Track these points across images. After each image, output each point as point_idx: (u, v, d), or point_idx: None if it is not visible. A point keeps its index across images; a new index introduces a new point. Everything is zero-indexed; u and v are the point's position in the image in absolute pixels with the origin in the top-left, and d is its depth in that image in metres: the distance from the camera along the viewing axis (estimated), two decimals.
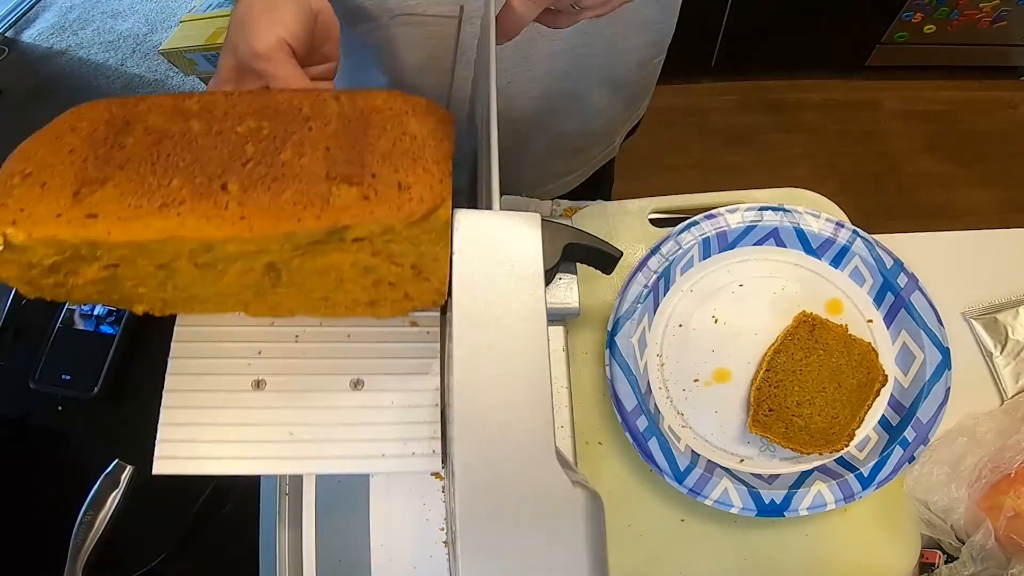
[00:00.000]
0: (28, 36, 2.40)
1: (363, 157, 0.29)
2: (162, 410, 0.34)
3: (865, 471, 0.49)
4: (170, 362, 0.35)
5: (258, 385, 0.35)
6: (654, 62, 0.71)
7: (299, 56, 0.37)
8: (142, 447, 0.50)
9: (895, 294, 0.55)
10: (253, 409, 0.35)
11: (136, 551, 0.55)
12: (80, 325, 0.62)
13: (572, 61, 0.60)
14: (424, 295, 0.34)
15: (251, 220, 0.27)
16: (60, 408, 0.62)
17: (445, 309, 0.38)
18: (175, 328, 0.36)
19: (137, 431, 0.53)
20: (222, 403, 0.35)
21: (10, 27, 2.42)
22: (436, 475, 0.51)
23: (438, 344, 0.37)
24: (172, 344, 0.36)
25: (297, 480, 0.51)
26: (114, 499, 0.53)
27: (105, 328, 0.62)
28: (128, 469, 0.54)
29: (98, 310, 0.63)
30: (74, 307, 0.63)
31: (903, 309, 0.54)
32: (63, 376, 0.60)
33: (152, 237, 0.27)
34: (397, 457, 0.34)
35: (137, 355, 0.62)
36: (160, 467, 0.33)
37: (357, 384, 0.36)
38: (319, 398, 0.35)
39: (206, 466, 0.33)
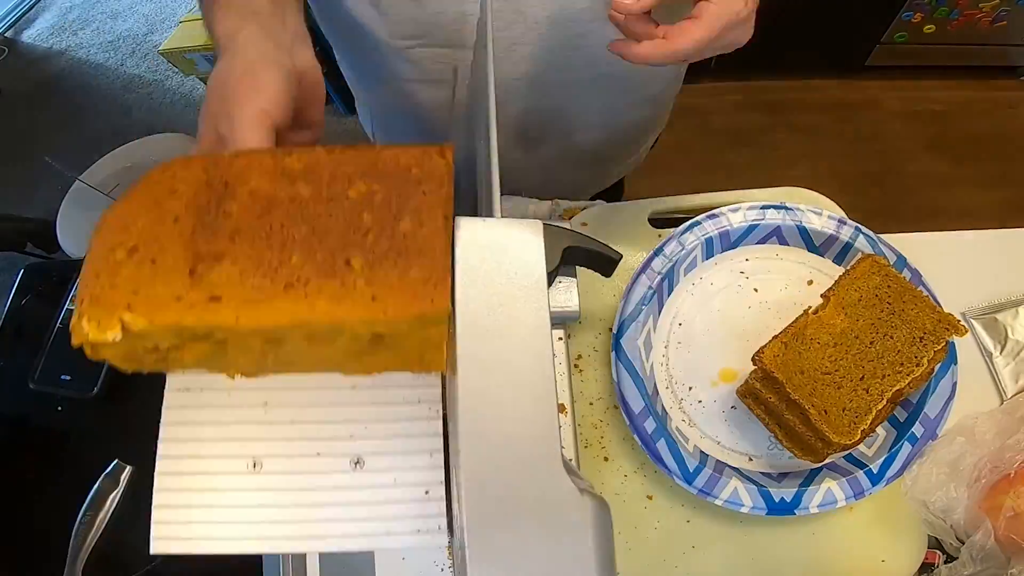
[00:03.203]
0: (28, 36, 2.40)
1: None
2: (155, 491, 0.33)
3: (874, 467, 0.49)
4: (160, 444, 0.33)
5: (254, 466, 0.33)
6: (678, 73, 0.71)
7: (281, 125, 0.35)
8: (142, 447, 0.50)
9: None
10: (250, 490, 0.33)
11: (136, 551, 0.55)
12: None
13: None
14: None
15: (384, 302, 0.26)
16: (60, 408, 0.62)
17: (445, 384, 0.37)
18: (163, 409, 0.34)
19: (137, 431, 0.53)
20: (217, 485, 0.33)
21: (10, 27, 2.42)
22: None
23: (440, 420, 0.35)
24: (161, 425, 0.34)
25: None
26: (114, 499, 0.53)
27: None
28: (128, 469, 0.54)
29: None
30: (74, 307, 0.63)
31: None
32: (63, 376, 0.60)
33: (283, 323, 0.26)
34: (402, 535, 0.32)
35: None
36: (157, 547, 0.32)
37: (358, 463, 0.34)
38: (318, 479, 0.33)
39: (205, 546, 0.32)
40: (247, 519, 0.33)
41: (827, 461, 0.51)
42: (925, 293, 0.51)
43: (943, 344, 0.48)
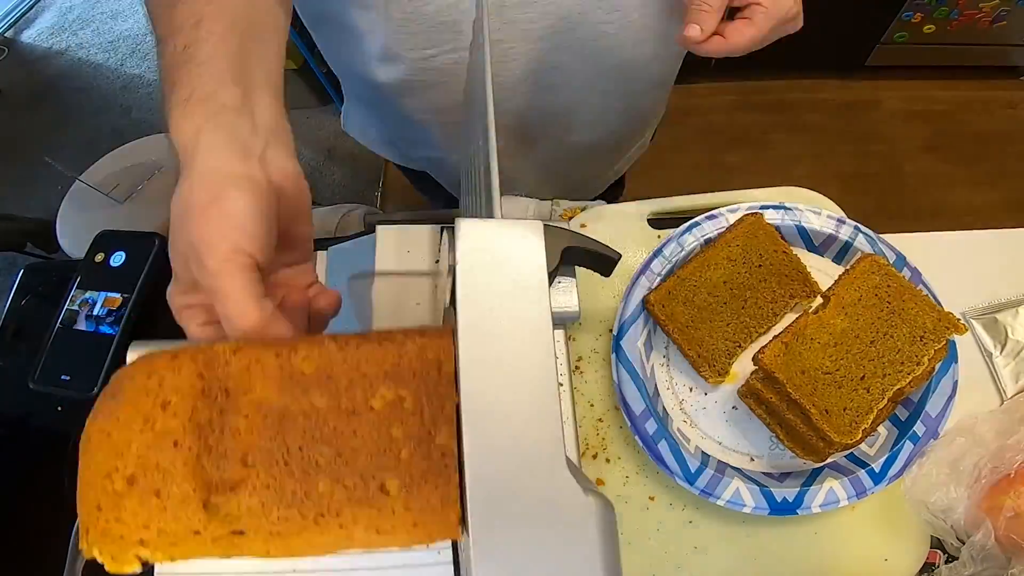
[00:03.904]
0: (28, 36, 2.40)
1: None
2: None
3: (876, 467, 0.49)
4: None
5: None
6: (671, 71, 0.71)
7: (263, 260, 0.29)
8: None
9: None
10: None
11: None
12: (80, 325, 0.62)
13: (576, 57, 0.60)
14: None
15: (427, 528, 0.24)
16: (60, 408, 0.62)
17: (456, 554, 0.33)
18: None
19: None
20: None
21: (10, 27, 2.42)
22: None
23: (451, 566, 0.32)
24: None
25: None
26: None
27: (105, 328, 0.62)
28: None
29: (98, 310, 0.63)
30: (74, 307, 0.63)
31: None
32: (63, 376, 0.60)
33: (318, 553, 0.24)
34: None
35: None
36: None
37: None
38: None
39: None
40: None
41: (829, 461, 0.51)
42: (925, 292, 0.51)
43: (943, 343, 0.49)
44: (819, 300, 0.53)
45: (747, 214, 0.58)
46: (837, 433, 0.46)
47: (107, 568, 0.24)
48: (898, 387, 0.47)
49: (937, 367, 0.51)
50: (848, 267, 0.52)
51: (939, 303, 0.53)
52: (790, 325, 0.50)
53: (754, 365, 0.49)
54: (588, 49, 0.58)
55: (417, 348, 0.26)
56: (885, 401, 0.47)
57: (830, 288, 0.51)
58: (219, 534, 0.23)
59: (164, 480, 0.24)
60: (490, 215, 0.31)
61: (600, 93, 0.65)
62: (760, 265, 0.56)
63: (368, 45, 0.59)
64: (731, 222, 0.59)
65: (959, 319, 0.50)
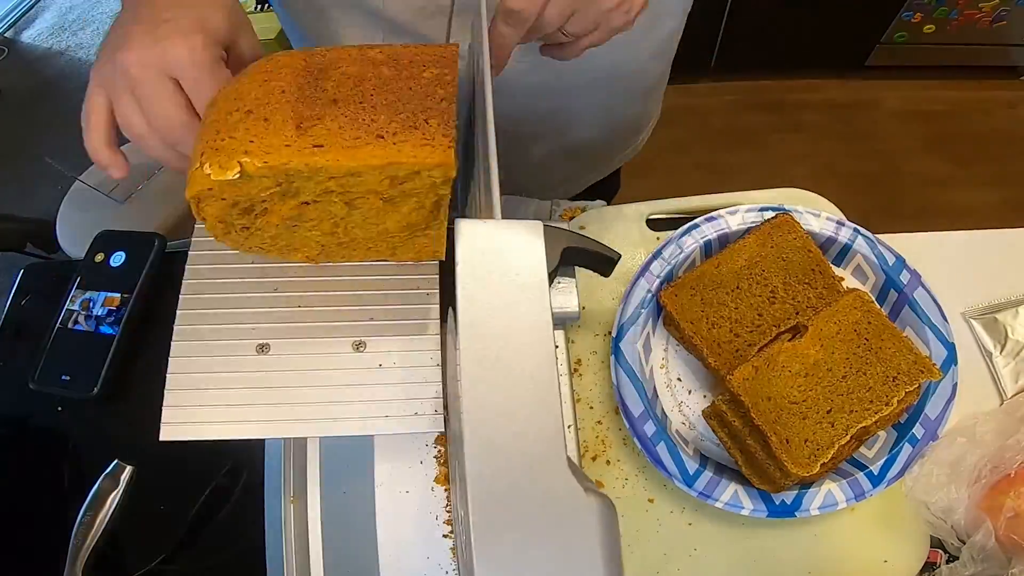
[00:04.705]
0: (28, 36, 2.40)
1: None
2: (168, 376, 0.35)
3: (875, 469, 0.49)
4: (175, 328, 0.37)
5: (262, 349, 0.36)
6: (665, 66, 0.71)
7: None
8: (142, 447, 0.50)
9: (898, 291, 0.55)
10: (257, 372, 0.36)
11: (136, 551, 0.55)
12: (80, 325, 0.62)
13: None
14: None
15: (455, 149, 0.30)
16: (60, 408, 0.62)
17: (443, 274, 0.40)
18: (180, 297, 0.37)
19: (137, 431, 0.53)
20: (226, 367, 0.36)
21: (10, 27, 2.42)
22: (440, 481, 0.51)
23: (437, 305, 0.38)
24: (177, 312, 0.37)
25: (302, 483, 0.51)
26: (114, 499, 0.53)
27: (105, 328, 0.62)
28: (128, 469, 0.54)
29: (97, 311, 0.63)
30: (74, 307, 0.63)
31: (907, 306, 0.55)
32: (63, 376, 0.60)
33: (376, 163, 0.30)
34: (400, 417, 0.35)
35: (137, 355, 0.62)
36: (166, 433, 0.34)
37: (359, 346, 0.37)
38: (322, 360, 0.36)
39: (211, 430, 0.34)
40: (252, 401, 0.35)
41: None
42: (904, 334, 0.51)
43: (915, 386, 0.48)
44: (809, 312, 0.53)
45: (778, 213, 0.57)
46: (795, 464, 0.45)
47: (212, 176, 0.30)
48: (863, 425, 0.47)
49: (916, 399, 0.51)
50: (832, 301, 0.52)
51: (938, 304, 0.54)
52: (762, 349, 0.50)
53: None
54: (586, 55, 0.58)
55: (453, 49, 0.34)
56: (848, 438, 0.46)
57: (809, 318, 0.51)
58: (303, 146, 0.30)
59: (272, 112, 0.31)
60: (491, 216, 0.31)
61: (595, 96, 0.65)
62: (785, 264, 0.55)
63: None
64: (731, 225, 0.59)
65: (935, 364, 0.50)
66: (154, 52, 0.34)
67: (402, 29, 0.55)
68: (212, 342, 0.36)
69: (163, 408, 0.35)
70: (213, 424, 0.35)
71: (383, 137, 0.31)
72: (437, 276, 0.39)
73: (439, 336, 0.37)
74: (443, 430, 0.35)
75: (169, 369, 0.35)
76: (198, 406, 0.35)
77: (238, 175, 0.30)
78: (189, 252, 0.39)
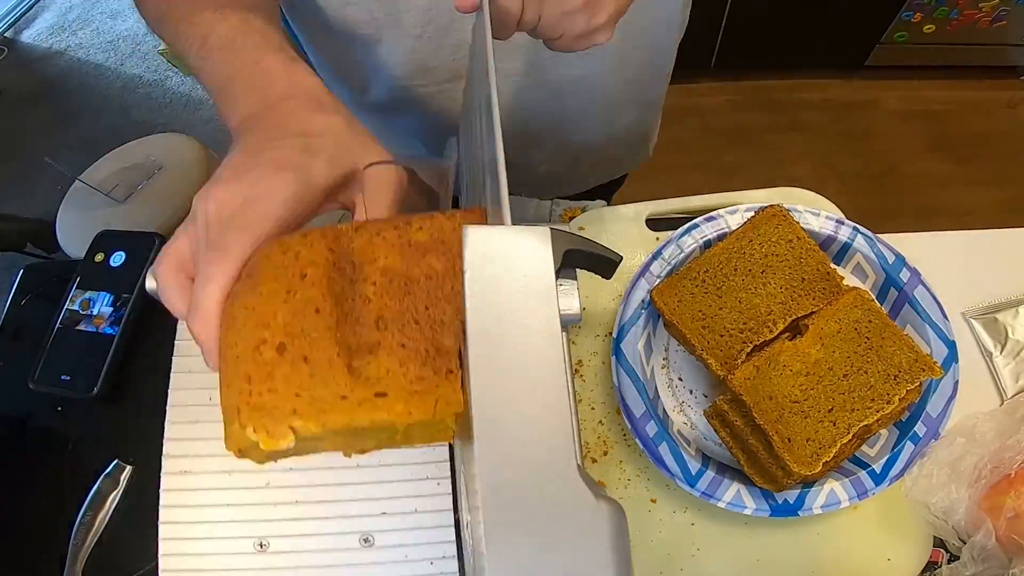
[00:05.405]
0: (27, 36, 2.40)
1: None
2: (160, 573, 0.33)
3: (877, 467, 0.49)
4: (161, 528, 0.33)
5: (261, 546, 0.34)
6: (667, 68, 0.71)
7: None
8: (142, 447, 0.50)
9: (898, 290, 0.55)
10: (257, 570, 0.33)
11: (136, 551, 0.55)
12: (80, 325, 0.62)
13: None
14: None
15: None
16: (60, 408, 0.62)
17: (452, 453, 0.36)
18: (162, 493, 0.34)
19: (137, 431, 0.53)
20: (224, 565, 0.33)
21: (10, 27, 2.41)
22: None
23: (450, 495, 0.35)
24: (161, 509, 0.33)
25: None
26: (114, 499, 0.53)
27: (105, 328, 0.62)
28: (128, 469, 0.54)
29: (98, 310, 0.62)
30: (74, 307, 0.63)
31: (907, 304, 0.55)
32: (63, 376, 0.60)
33: (453, 411, 0.25)
34: None
35: (137, 355, 0.62)
36: None
37: (367, 541, 0.34)
38: (328, 557, 0.33)
39: None
40: None
41: None
42: (905, 332, 0.51)
43: (917, 384, 0.48)
44: (816, 306, 0.53)
45: (767, 206, 0.56)
46: (797, 463, 0.45)
47: (262, 445, 0.24)
48: (865, 423, 0.47)
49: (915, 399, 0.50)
50: (833, 299, 0.52)
51: (939, 304, 0.53)
52: (764, 348, 0.50)
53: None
54: (580, 56, 0.59)
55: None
56: (850, 436, 0.46)
57: (810, 317, 0.51)
58: (364, 396, 0.25)
59: (311, 346, 0.25)
60: (498, 221, 0.31)
61: (596, 99, 0.66)
62: (780, 260, 0.54)
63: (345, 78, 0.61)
64: (730, 225, 0.58)
65: (936, 362, 0.49)
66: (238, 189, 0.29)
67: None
68: (205, 540, 0.33)
69: None
70: None
71: (453, 372, 0.25)
72: (448, 462, 0.36)
73: (452, 527, 0.34)
74: None
75: (161, 565, 0.32)
76: None
77: (292, 444, 0.25)
78: (164, 440, 0.35)
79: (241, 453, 0.26)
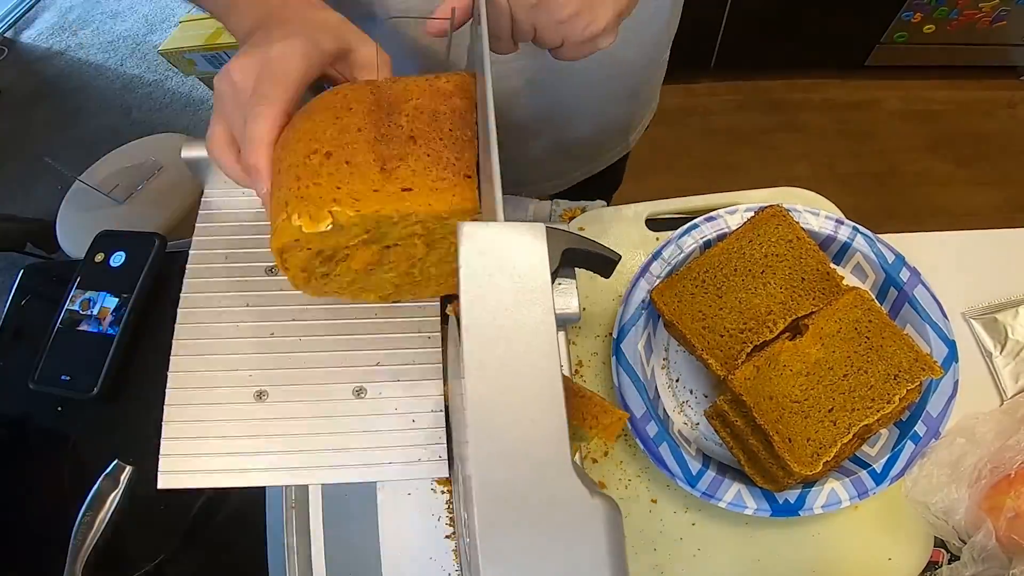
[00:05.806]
0: (28, 36, 2.40)
1: None
2: (164, 424, 0.34)
3: (878, 467, 0.49)
4: (170, 376, 0.36)
5: (260, 396, 0.36)
6: (659, 60, 0.71)
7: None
8: (142, 447, 0.50)
9: (898, 289, 0.55)
10: (255, 420, 0.35)
11: (136, 551, 0.55)
12: (80, 325, 0.62)
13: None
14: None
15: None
16: (60, 408, 0.62)
17: (445, 318, 0.39)
18: (173, 341, 0.36)
19: (137, 431, 0.53)
20: (224, 415, 0.35)
21: (10, 27, 2.42)
22: (442, 482, 0.51)
23: (440, 350, 0.37)
24: (171, 358, 0.36)
25: (303, 491, 0.51)
26: (114, 499, 0.53)
27: (105, 329, 0.62)
28: (128, 469, 0.54)
29: (98, 310, 0.63)
30: (74, 307, 0.63)
31: (907, 304, 0.55)
32: (63, 376, 0.60)
33: (469, 206, 0.30)
34: (403, 464, 0.35)
35: (137, 355, 0.62)
36: (165, 481, 0.34)
37: (360, 392, 0.36)
38: (322, 407, 0.36)
39: (210, 479, 0.34)
40: (251, 449, 0.35)
41: None
42: (905, 332, 0.51)
43: (917, 384, 0.48)
44: (813, 307, 0.53)
45: (769, 205, 0.57)
46: (797, 463, 0.45)
47: (303, 229, 0.29)
48: (865, 423, 0.47)
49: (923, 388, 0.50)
50: (833, 299, 0.52)
51: (939, 304, 0.53)
52: (765, 348, 0.50)
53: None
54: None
55: None
56: (850, 436, 0.46)
57: (810, 317, 0.51)
58: (392, 191, 0.29)
59: (352, 152, 0.30)
60: (493, 218, 0.31)
61: (592, 93, 0.66)
62: (780, 260, 0.54)
63: None
64: (730, 224, 0.58)
65: (936, 362, 0.49)
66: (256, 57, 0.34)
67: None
68: (207, 389, 0.35)
69: (160, 456, 0.34)
70: (212, 473, 0.34)
71: (471, 176, 0.29)
72: (438, 318, 0.38)
73: (440, 380, 0.36)
74: (447, 475, 0.34)
75: (165, 417, 0.35)
76: (196, 455, 0.34)
77: (330, 226, 0.29)
78: (181, 294, 0.38)
79: (283, 254, 0.31)
